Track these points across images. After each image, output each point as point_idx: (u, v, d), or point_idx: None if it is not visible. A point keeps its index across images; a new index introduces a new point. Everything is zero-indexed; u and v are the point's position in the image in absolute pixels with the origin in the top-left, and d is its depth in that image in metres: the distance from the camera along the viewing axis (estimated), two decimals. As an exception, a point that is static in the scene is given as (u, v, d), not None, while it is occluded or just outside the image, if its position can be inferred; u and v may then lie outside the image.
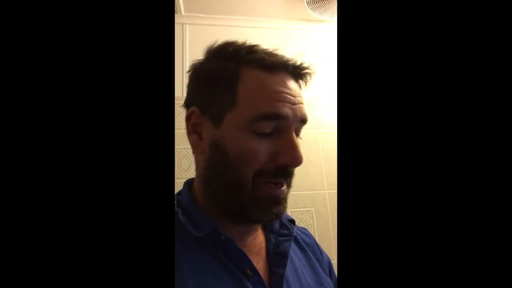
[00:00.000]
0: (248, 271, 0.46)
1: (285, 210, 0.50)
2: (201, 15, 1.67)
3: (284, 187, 0.49)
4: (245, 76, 0.47)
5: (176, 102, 1.71)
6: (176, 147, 1.42)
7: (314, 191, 1.50)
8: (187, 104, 0.52)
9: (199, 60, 0.52)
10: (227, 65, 0.48)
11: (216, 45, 0.51)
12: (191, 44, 1.63)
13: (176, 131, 1.43)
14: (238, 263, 0.46)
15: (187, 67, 1.57)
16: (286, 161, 0.46)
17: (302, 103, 0.49)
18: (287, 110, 0.46)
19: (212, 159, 0.48)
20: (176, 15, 1.63)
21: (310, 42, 1.73)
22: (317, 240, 1.54)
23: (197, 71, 0.52)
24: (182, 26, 1.65)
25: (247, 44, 0.50)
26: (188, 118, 0.51)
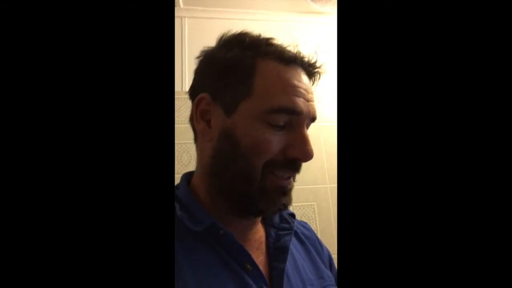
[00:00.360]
0: (248, 266, 0.46)
1: (291, 202, 0.50)
2: (200, 8, 1.66)
3: (291, 180, 0.49)
4: (262, 67, 0.47)
5: (175, 96, 1.69)
6: (176, 142, 1.42)
7: (315, 185, 1.51)
8: (195, 91, 0.52)
9: (210, 47, 0.52)
10: (244, 54, 0.48)
11: (231, 34, 0.51)
12: (190, 38, 1.62)
13: (176, 125, 1.43)
14: (237, 258, 0.46)
15: (186, 60, 1.56)
16: (297, 155, 0.46)
17: (313, 100, 0.49)
18: (302, 106, 0.47)
19: (221, 148, 0.48)
20: (175, 8, 1.63)
21: (311, 34, 1.72)
22: (319, 234, 1.54)
23: (210, 58, 0.51)
24: (181, 20, 1.64)
25: (263, 36, 0.51)
26: (197, 105, 0.50)
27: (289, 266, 0.51)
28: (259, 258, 0.50)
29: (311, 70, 0.51)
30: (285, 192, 0.49)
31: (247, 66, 0.47)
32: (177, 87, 1.52)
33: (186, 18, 1.65)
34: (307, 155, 0.46)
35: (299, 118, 0.47)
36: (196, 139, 0.54)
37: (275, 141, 0.46)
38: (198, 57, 0.53)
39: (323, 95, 1.62)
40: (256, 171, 0.46)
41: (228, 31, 0.51)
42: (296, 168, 0.49)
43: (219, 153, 0.48)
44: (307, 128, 0.50)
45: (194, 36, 1.63)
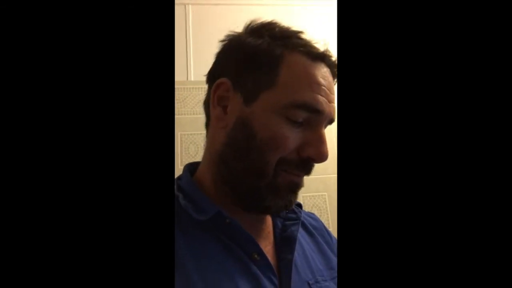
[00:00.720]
0: (256, 256, 0.46)
1: (296, 200, 0.51)
2: (204, -6, 1.65)
3: (302, 178, 0.50)
4: (289, 59, 0.47)
5: (180, 86, 1.69)
6: (183, 133, 1.43)
7: (326, 174, 1.51)
8: (214, 75, 0.52)
9: (236, 32, 0.52)
10: (273, 43, 0.48)
11: (259, 22, 0.51)
12: (194, 25, 1.62)
13: (182, 116, 1.44)
14: (244, 247, 0.46)
15: (191, 49, 1.56)
16: (312, 154, 0.46)
17: (334, 103, 0.49)
18: (324, 106, 0.47)
19: (235, 136, 0.47)
20: (178, -5, 1.61)
21: (320, 17, 1.70)
22: (330, 224, 1.53)
23: (236, 43, 0.51)
24: (185, 7, 1.63)
25: (294, 28, 0.51)
26: (215, 89, 0.50)
27: (298, 257, 0.51)
28: (267, 247, 0.50)
29: (334, 69, 0.51)
30: (294, 191, 0.49)
31: (275, 56, 0.47)
32: (182, 77, 1.52)
33: (190, 5, 1.64)
34: (322, 156, 0.46)
35: (319, 117, 0.47)
36: (208, 125, 0.54)
37: (292, 138, 0.46)
38: (222, 41, 0.53)
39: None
40: (269, 167, 0.46)
41: (256, 19, 0.51)
42: (308, 169, 0.49)
43: (233, 141, 0.48)
44: (325, 128, 0.50)
45: (198, 24, 1.62)
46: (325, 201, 1.49)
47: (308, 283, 0.50)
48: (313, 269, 0.52)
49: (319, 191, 1.49)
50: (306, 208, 1.50)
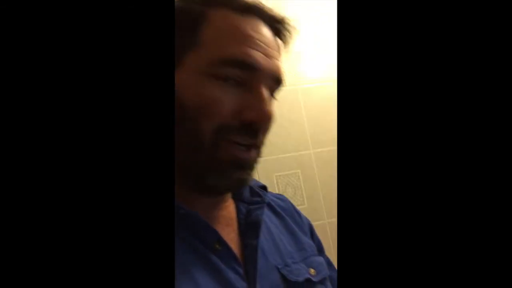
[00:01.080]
0: (217, 245, 0.43)
1: (251, 178, 0.47)
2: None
3: (252, 151, 0.45)
4: (213, 16, 0.44)
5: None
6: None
7: (298, 152, 1.50)
8: None
9: None
10: (192, 3, 0.45)
11: None
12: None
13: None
14: (203, 238, 0.43)
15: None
16: (253, 116, 0.42)
17: (277, 59, 0.45)
18: (259, 60, 0.42)
19: None
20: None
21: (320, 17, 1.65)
22: (305, 202, 1.55)
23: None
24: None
25: None
26: None
27: (265, 242, 0.49)
28: (230, 235, 0.47)
29: (276, 26, 0.47)
30: (241, 166, 0.44)
31: (195, 14, 0.44)
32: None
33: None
34: (264, 116, 0.42)
35: (256, 75, 0.43)
36: None
37: (226, 100, 0.42)
38: None
39: (302, 56, 1.59)
40: (206, 135, 0.41)
41: None
42: (255, 134, 0.44)
43: None
44: (274, 91, 0.46)
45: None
46: (299, 178, 1.49)
47: (277, 268, 0.48)
48: (282, 253, 0.50)
49: (293, 168, 1.49)
50: (280, 187, 1.49)
